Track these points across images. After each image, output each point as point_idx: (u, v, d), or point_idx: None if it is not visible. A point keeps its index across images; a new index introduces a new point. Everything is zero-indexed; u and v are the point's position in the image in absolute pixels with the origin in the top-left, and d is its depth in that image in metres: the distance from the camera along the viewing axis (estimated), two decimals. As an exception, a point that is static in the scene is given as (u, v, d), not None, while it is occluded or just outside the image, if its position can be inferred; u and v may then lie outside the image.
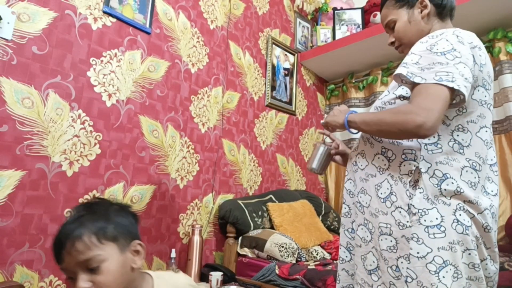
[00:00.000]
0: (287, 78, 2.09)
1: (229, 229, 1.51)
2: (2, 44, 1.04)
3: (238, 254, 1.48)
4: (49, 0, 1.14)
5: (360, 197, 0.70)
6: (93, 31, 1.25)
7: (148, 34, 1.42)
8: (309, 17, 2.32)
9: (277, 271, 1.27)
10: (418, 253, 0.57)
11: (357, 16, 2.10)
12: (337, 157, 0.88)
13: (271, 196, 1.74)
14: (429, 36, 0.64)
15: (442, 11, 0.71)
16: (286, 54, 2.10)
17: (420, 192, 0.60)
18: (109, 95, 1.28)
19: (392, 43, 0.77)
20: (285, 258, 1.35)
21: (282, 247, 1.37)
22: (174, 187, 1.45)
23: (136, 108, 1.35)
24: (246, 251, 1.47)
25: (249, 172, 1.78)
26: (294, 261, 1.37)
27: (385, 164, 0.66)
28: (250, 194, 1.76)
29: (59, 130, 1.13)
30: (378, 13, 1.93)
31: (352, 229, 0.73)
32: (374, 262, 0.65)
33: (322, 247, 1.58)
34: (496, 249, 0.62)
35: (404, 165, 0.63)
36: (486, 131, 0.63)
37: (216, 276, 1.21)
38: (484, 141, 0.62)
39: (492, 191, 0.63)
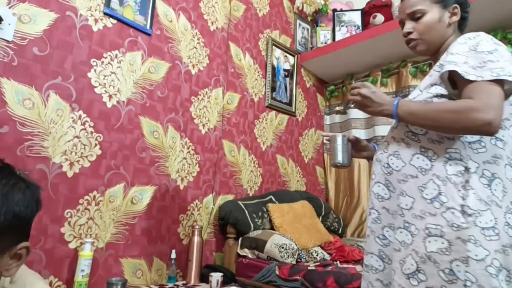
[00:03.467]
0: (287, 79, 2.09)
1: (229, 230, 1.51)
2: (3, 45, 1.04)
3: (238, 255, 1.48)
4: (50, 2, 1.15)
5: (399, 199, 0.67)
6: (94, 33, 1.26)
7: (148, 36, 1.42)
8: (309, 18, 2.33)
9: (277, 272, 1.27)
10: (476, 255, 0.55)
11: (356, 17, 2.10)
12: (362, 147, 0.82)
13: (271, 197, 1.74)
14: (464, 38, 0.65)
15: (463, 23, 0.73)
16: (286, 55, 2.11)
17: (473, 193, 0.58)
18: (110, 96, 1.28)
19: (409, 34, 0.73)
20: (285, 259, 1.35)
21: (282, 248, 1.37)
22: (175, 188, 1.45)
23: (137, 109, 1.36)
24: (246, 252, 1.47)
25: (249, 173, 1.79)
26: (294, 262, 1.37)
27: (426, 165, 0.64)
28: (250, 195, 1.76)
29: (59, 131, 1.14)
30: (378, 14, 1.94)
31: (383, 235, 0.69)
32: (412, 265, 0.62)
33: (322, 248, 1.58)
34: None
35: (450, 165, 0.61)
36: (496, 119, 0.61)
37: (216, 277, 1.21)
38: None
39: None
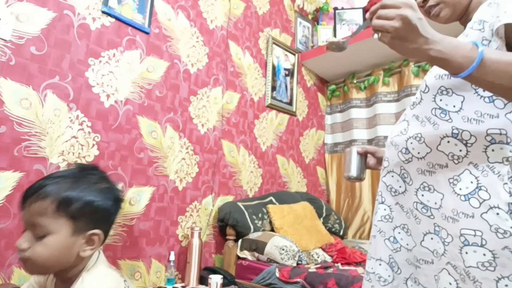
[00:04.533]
0: (288, 78, 2.07)
1: (229, 231, 1.50)
2: (1, 45, 1.03)
3: (238, 257, 1.46)
4: (47, 0, 1.13)
5: (423, 195, 0.53)
6: (92, 31, 1.25)
7: (147, 34, 1.41)
8: (309, 16, 2.31)
9: (277, 274, 1.25)
10: None
11: (358, 16, 2.08)
12: (371, 160, 0.71)
13: (271, 198, 1.72)
14: None
15: None
16: (286, 54, 2.09)
17: None
18: (108, 96, 1.27)
19: (425, 1, 0.59)
20: (285, 261, 1.33)
21: (283, 249, 1.35)
22: (173, 189, 1.43)
23: (135, 108, 1.34)
24: (246, 254, 1.45)
25: (249, 174, 1.77)
26: (294, 264, 1.35)
27: (460, 150, 0.49)
28: (250, 196, 1.75)
29: (57, 131, 1.13)
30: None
31: (394, 237, 0.56)
32: (450, 284, 0.48)
33: (323, 249, 1.56)
34: None
35: (493, 150, 0.47)
36: None
37: (215, 279, 1.19)
38: None
39: None
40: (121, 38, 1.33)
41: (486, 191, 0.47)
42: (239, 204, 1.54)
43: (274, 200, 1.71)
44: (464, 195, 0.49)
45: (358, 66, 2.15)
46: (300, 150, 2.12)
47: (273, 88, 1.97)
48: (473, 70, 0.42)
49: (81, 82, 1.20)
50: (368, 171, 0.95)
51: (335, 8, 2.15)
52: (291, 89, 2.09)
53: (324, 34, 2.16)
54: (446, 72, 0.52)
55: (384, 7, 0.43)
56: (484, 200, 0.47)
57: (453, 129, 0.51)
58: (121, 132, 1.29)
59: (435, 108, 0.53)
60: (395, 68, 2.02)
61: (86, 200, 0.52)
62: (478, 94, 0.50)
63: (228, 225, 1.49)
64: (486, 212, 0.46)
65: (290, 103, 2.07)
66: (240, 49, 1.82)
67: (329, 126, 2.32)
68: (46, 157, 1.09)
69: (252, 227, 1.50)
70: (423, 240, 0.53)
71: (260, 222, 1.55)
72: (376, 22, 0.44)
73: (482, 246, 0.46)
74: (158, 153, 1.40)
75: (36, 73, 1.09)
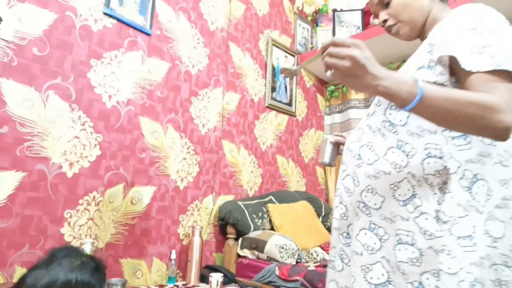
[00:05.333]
0: (287, 79, 2.09)
1: (229, 230, 1.51)
2: (3, 45, 1.04)
3: (238, 255, 1.48)
4: (49, 2, 1.14)
5: (366, 196, 0.58)
6: (94, 33, 1.26)
7: (148, 36, 1.42)
8: (309, 18, 2.32)
9: (277, 272, 1.26)
10: (449, 268, 0.48)
11: (357, 17, 2.10)
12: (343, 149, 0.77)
13: (271, 197, 1.74)
14: (461, 12, 0.54)
15: None
16: (286, 56, 2.11)
17: (450, 197, 0.50)
18: (109, 96, 1.28)
19: (385, 22, 0.65)
20: (285, 259, 1.35)
21: (282, 248, 1.37)
22: (174, 188, 1.45)
23: (136, 109, 1.35)
24: (246, 252, 1.46)
25: (249, 173, 1.78)
26: (294, 262, 1.36)
27: (402, 160, 0.55)
28: (250, 195, 1.76)
29: (59, 131, 1.13)
30: (378, 14, 1.93)
31: (348, 233, 0.62)
32: (383, 275, 0.54)
33: (322, 248, 1.58)
34: None
35: (429, 163, 0.52)
36: None
37: (216, 277, 1.21)
38: None
39: None
40: (123, 39, 1.34)
41: (420, 198, 0.53)
42: (240, 203, 1.56)
43: (274, 200, 1.73)
44: (403, 201, 0.54)
45: (356, 67, 2.17)
46: (299, 150, 2.14)
47: (273, 89, 1.98)
48: (415, 105, 0.46)
49: (83, 83, 1.21)
50: None
51: (334, 10, 2.17)
52: (291, 90, 2.11)
53: (324, 36, 2.18)
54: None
55: (334, 45, 0.47)
56: (418, 206, 0.53)
57: (398, 141, 0.56)
58: (123, 132, 1.30)
59: (385, 121, 0.59)
60: (393, 69, 2.04)
61: (63, 281, 0.55)
62: None
63: (229, 224, 1.50)
64: (418, 217, 0.52)
65: (290, 104, 2.09)
66: (240, 50, 1.84)
67: (328, 126, 2.34)
68: (49, 157, 1.10)
69: (252, 226, 1.51)
70: (358, 234, 0.59)
71: (260, 221, 1.57)
72: (327, 60, 0.47)
73: (412, 245, 0.52)
74: (159, 153, 1.41)
75: (38, 74, 1.10)
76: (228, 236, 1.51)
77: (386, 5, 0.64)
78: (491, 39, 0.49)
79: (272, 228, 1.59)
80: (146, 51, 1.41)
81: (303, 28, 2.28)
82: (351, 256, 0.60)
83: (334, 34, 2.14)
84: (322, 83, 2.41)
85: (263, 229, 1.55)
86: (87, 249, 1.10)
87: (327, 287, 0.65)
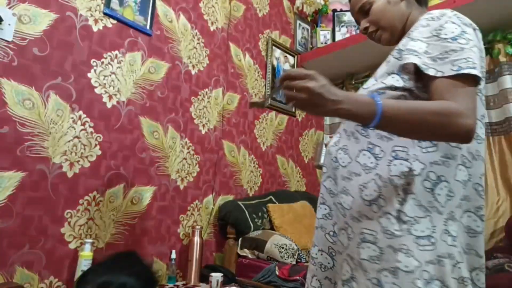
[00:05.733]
0: (287, 79, 2.09)
1: (229, 230, 1.51)
2: (3, 46, 1.04)
3: (238, 255, 1.48)
4: (50, 2, 1.15)
5: (342, 197, 0.61)
6: (94, 33, 1.26)
7: (148, 36, 1.42)
8: (309, 18, 2.33)
9: (277, 272, 1.27)
10: (406, 267, 0.50)
11: (356, 17, 2.10)
12: None
13: (271, 197, 1.74)
14: (427, 18, 0.56)
15: None
16: (286, 56, 2.11)
17: (412, 198, 0.52)
18: (110, 97, 1.28)
19: (366, 29, 0.67)
20: (285, 259, 1.35)
21: (282, 248, 1.37)
22: (174, 188, 1.45)
23: (137, 109, 1.36)
24: (246, 252, 1.47)
25: (249, 173, 1.79)
26: (294, 262, 1.36)
27: (371, 162, 0.57)
28: (250, 195, 1.76)
29: (59, 131, 1.14)
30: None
31: (334, 232, 0.64)
32: (348, 272, 0.57)
33: (322, 248, 1.58)
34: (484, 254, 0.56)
35: (395, 165, 0.54)
36: (477, 124, 0.55)
37: (216, 277, 1.21)
38: (475, 134, 0.54)
39: (481, 190, 0.57)
40: (123, 39, 1.34)
41: (384, 199, 0.55)
42: (240, 203, 1.56)
43: (274, 199, 1.73)
44: (369, 201, 0.56)
45: (356, 67, 2.18)
46: (299, 150, 2.14)
47: (273, 89, 1.99)
48: (377, 123, 0.48)
49: (84, 83, 1.21)
50: None
51: (334, 10, 2.17)
52: (291, 90, 2.11)
53: (323, 36, 2.18)
54: (367, 94, 0.60)
55: (290, 78, 0.49)
56: (382, 206, 0.55)
57: (369, 144, 0.59)
58: (123, 133, 1.30)
59: (358, 125, 0.60)
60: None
61: (119, 283, 0.60)
62: None
63: (229, 224, 1.51)
64: (381, 217, 0.54)
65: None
66: (240, 50, 1.84)
67: (328, 126, 2.35)
68: (49, 157, 1.11)
69: (252, 225, 1.52)
70: (338, 234, 0.62)
71: (260, 221, 1.57)
72: (286, 93, 0.49)
73: (374, 243, 0.54)
74: (159, 153, 1.41)
75: (38, 74, 1.11)
76: (228, 236, 1.51)
77: (366, 13, 0.67)
78: (453, 44, 0.51)
79: (272, 228, 1.59)
80: (146, 51, 1.41)
81: (303, 28, 2.29)
82: (337, 255, 0.64)
83: (334, 34, 2.14)
84: (322, 83, 2.41)
85: (263, 229, 1.56)
86: (87, 249, 1.10)
87: (308, 282, 0.67)
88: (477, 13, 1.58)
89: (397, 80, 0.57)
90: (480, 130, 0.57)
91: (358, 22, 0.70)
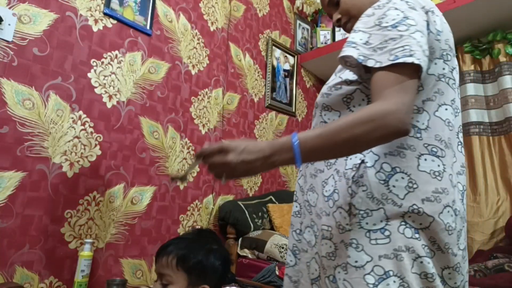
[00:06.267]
0: (287, 79, 2.09)
1: (229, 230, 1.51)
2: (3, 46, 1.04)
3: (238, 255, 1.48)
4: (50, 2, 1.15)
5: (309, 195, 0.60)
6: (94, 33, 1.26)
7: (148, 36, 1.42)
8: (309, 18, 2.33)
9: (277, 272, 1.27)
10: (356, 262, 0.48)
11: (356, 17, 2.10)
12: None
13: (271, 197, 1.74)
14: (375, 6, 0.53)
15: None
16: (286, 56, 2.11)
17: (363, 190, 0.50)
18: (110, 97, 1.28)
19: (339, 21, 0.65)
20: (285, 259, 1.35)
21: (282, 248, 1.37)
22: (175, 188, 1.45)
23: (137, 109, 1.36)
24: (246, 252, 1.47)
25: (249, 173, 1.79)
26: (294, 263, 1.36)
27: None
28: (250, 195, 1.76)
29: (59, 131, 1.14)
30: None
31: (300, 230, 0.63)
32: (316, 270, 0.56)
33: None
34: (464, 252, 0.52)
35: (350, 158, 0.53)
36: (447, 109, 0.52)
37: (216, 277, 1.21)
38: (445, 121, 0.52)
39: (459, 182, 0.53)
40: (123, 39, 1.34)
41: (338, 193, 0.53)
42: (240, 203, 1.56)
43: (274, 199, 1.73)
44: (327, 196, 0.55)
45: (356, 67, 2.17)
46: (299, 150, 2.14)
47: (273, 89, 1.98)
48: (301, 159, 0.46)
49: (84, 83, 1.21)
50: None
51: (334, 10, 2.17)
52: (291, 90, 2.11)
53: (323, 36, 2.18)
54: (327, 91, 0.60)
55: (205, 156, 0.48)
56: (336, 201, 0.53)
57: None
58: (123, 133, 1.30)
59: (322, 122, 0.60)
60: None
61: (197, 259, 0.64)
62: (350, 110, 0.56)
63: (229, 224, 1.51)
64: (336, 211, 0.53)
65: (290, 104, 2.09)
66: (240, 50, 1.84)
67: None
68: (49, 157, 1.10)
69: (252, 225, 1.52)
70: (304, 232, 0.61)
71: (260, 221, 1.57)
72: (211, 172, 0.49)
73: (330, 239, 0.53)
74: (159, 153, 1.41)
75: (38, 74, 1.11)
76: (228, 236, 1.51)
77: (337, 4, 0.65)
78: (392, 32, 0.48)
79: (272, 228, 1.59)
80: (146, 52, 1.41)
81: (303, 28, 2.29)
82: (301, 254, 0.62)
83: (334, 34, 2.14)
84: (322, 83, 2.41)
85: (263, 229, 1.56)
86: (87, 249, 1.10)
87: (284, 281, 0.67)
88: (477, 13, 1.58)
89: (352, 74, 0.56)
90: (451, 116, 0.53)
91: (330, 15, 0.69)
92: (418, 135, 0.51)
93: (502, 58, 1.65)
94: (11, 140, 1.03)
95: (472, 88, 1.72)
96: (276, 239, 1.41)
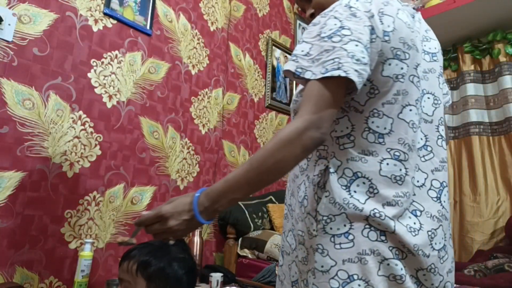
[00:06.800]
0: (287, 79, 2.09)
1: (229, 230, 1.51)
2: (3, 46, 1.04)
3: (238, 255, 1.48)
4: (50, 2, 1.15)
5: (291, 199, 0.62)
6: (94, 33, 1.26)
7: (148, 36, 1.42)
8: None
9: (277, 272, 1.26)
10: (322, 266, 0.49)
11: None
12: None
13: (271, 197, 1.74)
14: (322, 14, 0.53)
15: None
16: (286, 56, 2.11)
17: (326, 196, 0.51)
18: (110, 97, 1.28)
19: (312, 15, 0.64)
20: (285, 259, 1.35)
21: (282, 248, 1.37)
22: (175, 188, 1.45)
23: (137, 109, 1.36)
24: (246, 252, 1.47)
25: (249, 173, 1.79)
26: (294, 263, 1.36)
27: (304, 164, 0.57)
28: (250, 195, 1.76)
29: (59, 131, 1.14)
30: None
31: (284, 233, 0.64)
32: (296, 273, 0.57)
33: (322, 248, 1.58)
34: (441, 252, 0.50)
35: (318, 165, 0.54)
36: (411, 110, 0.51)
37: (216, 277, 1.21)
38: (408, 123, 0.51)
39: (418, 181, 0.51)
40: (123, 39, 1.34)
41: (307, 199, 0.54)
42: (240, 203, 1.56)
43: (274, 199, 1.73)
44: (300, 202, 0.56)
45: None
46: (299, 150, 2.14)
47: (273, 89, 1.99)
48: (201, 215, 0.48)
49: (84, 83, 1.21)
50: None
51: (334, 10, 2.17)
52: (291, 90, 2.11)
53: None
54: (295, 97, 0.61)
55: (146, 225, 0.50)
56: (305, 206, 0.54)
57: None
58: (123, 133, 1.30)
59: None
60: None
61: (159, 266, 0.61)
62: None
63: (229, 224, 1.51)
64: (306, 217, 0.54)
65: (290, 104, 2.09)
66: (240, 50, 1.84)
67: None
68: (49, 157, 1.10)
69: (252, 225, 1.52)
70: (287, 236, 0.62)
71: (260, 221, 1.57)
72: (158, 238, 0.51)
73: (303, 244, 0.54)
74: (159, 153, 1.41)
75: (38, 74, 1.11)
76: (228, 236, 1.51)
77: (309, 0, 0.64)
78: (327, 43, 0.48)
79: (272, 228, 1.59)
80: (146, 52, 1.41)
81: (303, 28, 2.29)
82: (284, 257, 0.63)
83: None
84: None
85: (263, 229, 1.56)
86: (87, 249, 1.10)
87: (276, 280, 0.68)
88: (477, 13, 1.58)
89: None
90: (415, 117, 0.52)
91: (303, 10, 0.68)
92: (381, 140, 0.50)
93: (502, 58, 1.65)
94: (11, 140, 1.03)
95: (472, 88, 1.72)
96: (276, 239, 1.41)
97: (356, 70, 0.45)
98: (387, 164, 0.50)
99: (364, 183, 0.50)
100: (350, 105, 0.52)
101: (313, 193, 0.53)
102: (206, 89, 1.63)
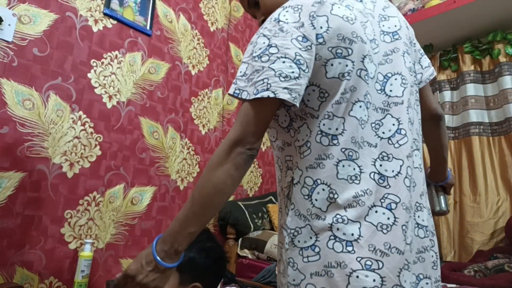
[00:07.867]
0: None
1: (229, 230, 1.51)
2: (3, 46, 1.04)
3: (238, 256, 1.48)
4: (50, 2, 1.15)
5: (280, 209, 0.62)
6: (94, 33, 1.26)
7: (148, 36, 1.43)
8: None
9: (277, 272, 1.26)
10: (294, 280, 0.48)
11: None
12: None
13: (271, 197, 1.74)
14: (257, 32, 0.52)
15: None
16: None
17: (291, 209, 0.50)
18: (110, 97, 1.28)
19: (264, 22, 0.61)
20: (285, 259, 1.35)
21: (282, 248, 1.37)
22: (175, 189, 1.45)
23: (137, 109, 1.36)
24: (246, 252, 1.47)
25: (249, 174, 1.79)
26: (294, 263, 1.36)
27: (279, 175, 0.56)
28: (250, 195, 1.76)
29: (59, 132, 1.14)
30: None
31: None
32: (281, 285, 0.56)
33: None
34: (411, 246, 0.48)
35: (286, 176, 0.53)
36: (361, 106, 0.49)
37: (216, 277, 1.21)
38: (359, 120, 0.49)
39: (393, 171, 0.48)
40: (123, 40, 1.34)
41: (281, 212, 0.54)
42: (240, 203, 1.56)
43: (274, 200, 1.73)
44: (279, 214, 0.56)
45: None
46: (299, 150, 2.14)
47: (273, 89, 1.99)
48: (164, 260, 0.47)
49: (84, 83, 1.21)
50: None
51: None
52: (291, 90, 2.11)
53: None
54: None
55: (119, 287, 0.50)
56: (279, 219, 0.55)
57: (275, 157, 0.58)
58: (123, 133, 1.30)
59: (272, 140, 0.59)
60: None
61: (189, 256, 0.62)
62: (281, 127, 0.55)
63: (229, 224, 1.51)
64: (281, 230, 0.54)
65: (290, 104, 2.09)
66: (240, 51, 1.84)
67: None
68: (49, 157, 1.11)
69: (252, 226, 1.52)
70: (276, 247, 0.62)
71: (260, 221, 1.57)
72: None
73: (281, 257, 0.53)
74: (159, 153, 1.41)
75: (38, 74, 1.11)
76: (228, 236, 1.51)
77: (257, 5, 0.63)
78: (257, 63, 0.48)
79: (272, 228, 1.59)
80: (146, 52, 1.41)
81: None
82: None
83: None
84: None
85: (263, 229, 1.56)
86: (87, 249, 1.10)
87: None
88: (477, 13, 1.58)
89: None
90: (362, 111, 0.50)
91: (254, 16, 0.67)
92: (335, 141, 0.49)
93: (502, 59, 1.65)
94: (11, 140, 1.03)
95: (472, 88, 1.72)
96: (276, 239, 1.41)
97: (285, 88, 0.45)
98: (343, 166, 0.48)
99: (323, 189, 0.48)
100: (306, 112, 0.50)
101: (284, 205, 0.53)
102: (206, 90, 1.63)
